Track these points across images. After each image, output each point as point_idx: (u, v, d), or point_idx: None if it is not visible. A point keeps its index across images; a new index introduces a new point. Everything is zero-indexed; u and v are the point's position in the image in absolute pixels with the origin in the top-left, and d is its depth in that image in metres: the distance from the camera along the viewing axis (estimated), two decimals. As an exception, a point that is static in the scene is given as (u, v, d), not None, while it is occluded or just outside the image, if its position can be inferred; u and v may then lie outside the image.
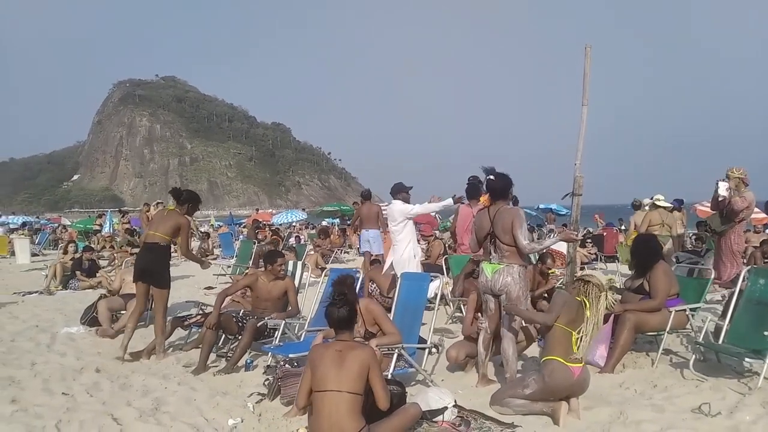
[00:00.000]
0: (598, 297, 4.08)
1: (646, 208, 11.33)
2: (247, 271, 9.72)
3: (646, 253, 5.27)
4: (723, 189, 6.73)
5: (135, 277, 5.85)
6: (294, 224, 28.21)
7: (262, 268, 6.01)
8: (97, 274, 10.58)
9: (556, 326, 4.02)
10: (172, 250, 6.24)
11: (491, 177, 4.58)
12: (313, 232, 21.27)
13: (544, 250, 4.57)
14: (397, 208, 7.50)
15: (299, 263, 7.53)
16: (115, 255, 14.34)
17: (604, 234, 14.19)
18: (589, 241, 13.78)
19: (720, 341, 4.87)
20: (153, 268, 5.67)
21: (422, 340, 5.01)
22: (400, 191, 7.63)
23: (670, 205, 10.55)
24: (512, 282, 4.42)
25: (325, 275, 6.53)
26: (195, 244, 19.85)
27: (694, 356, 4.85)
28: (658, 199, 10.45)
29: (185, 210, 5.82)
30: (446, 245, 11.43)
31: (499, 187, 4.57)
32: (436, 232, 17.62)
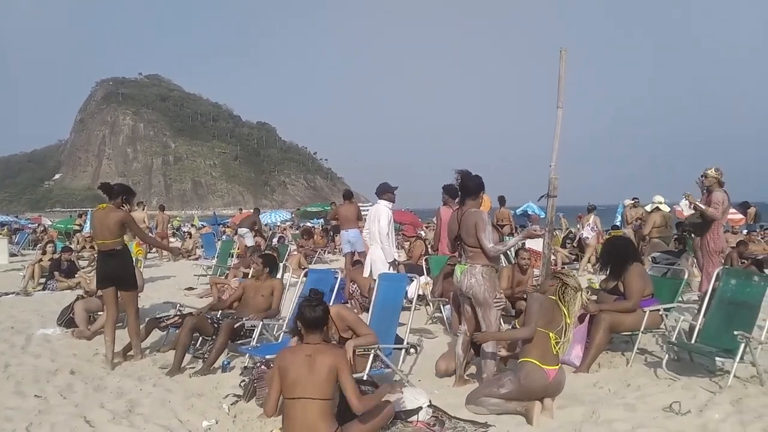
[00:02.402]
0: (574, 299, 4.09)
1: (647, 208, 11.55)
2: (232, 271, 9.68)
3: (618, 255, 5.33)
4: (686, 208, 6.82)
5: (98, 284, 5.75)
6: (278, 225, 28.12)
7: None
8: (76, 275, 10.44)
9: None
10: (153, 250, 6.21)
11: (458, 178, 4.59)
12: (297, 232, 21.22)
13: (508, 251, 4.58)
14: (380, 211, 7.49)
15: (280, 264, 7.49)
16: (95, 255, 14.17)
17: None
18: (569, 241, 13.89)
19: (693, 340, 4.95)
20: (118, 273, 5.56)
21: (399, 340, 5.02)
22: (386, 191, 7.64)
23: (668, 207, 10.84)
24: (476, 283, 4.43)
25: (304, 276, 6.51)
26: (176, 244, 19.70)
27: (667, 356, 4.92)
28: (660, 202, 10.69)
29: (119, 203, 5.62)
30: (429, 246, 11.45)
31: (471, 186, 4.59)
32: (421, 232, 17.66)
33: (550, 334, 4.01)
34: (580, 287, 4.20)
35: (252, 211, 16.34)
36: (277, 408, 3.42)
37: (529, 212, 19.48)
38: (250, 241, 14.36)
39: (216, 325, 5.47)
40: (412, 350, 5.17)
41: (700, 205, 6.61)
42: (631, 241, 6.32)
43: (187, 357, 5.41)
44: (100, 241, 5.55)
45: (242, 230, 14.96)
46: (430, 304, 7.54)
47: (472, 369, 5.02)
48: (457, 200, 7.91)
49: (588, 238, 12.02)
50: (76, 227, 21.66)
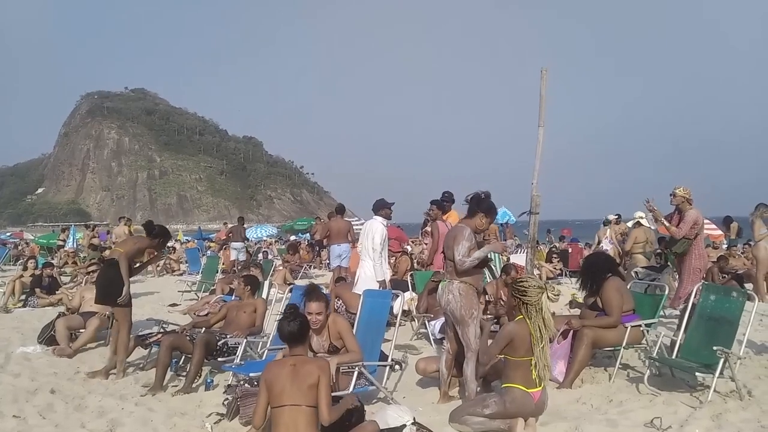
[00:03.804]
0: (539, 309, 3.94)
1: (629, 224, 11.70)
2: (219, 284, 9.62)
3: (594, 270, 5.39)
4: (651, 223, 6.92)
5: (97, 298, 5.76)
6: (264, 239, 28.02)
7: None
8: (58, 291, 10.31)
9: (512, 359, 3.99)
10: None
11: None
12: (283, 247, 21.15)
13: (476, 262, 4.54)
14: (374, 227, 7.46)
15: (266, 281, 7.48)
16: (78, 271, 14.02)
17: (570, 249, 14.45)
18: (554, 256, 14.01)
19: (674, 356, 5.01)
20: (112, 285, 5.59)
21: (384, 357, 5.02)
22: (382, 208, 7.61)
23: (648, 225, 10.95)
24: (452, 300, 4.46)
25: (289, 291, 6.50)
26: (160, 261, 19.52)
27: (648, 371, 4.97)
28: (641, 217, 10.80)
29: (155, 243, 6.02)
30: (415, 261, 11.47)
31: (470, 205, 4.66)
32: (408, 247, 17.63)
33: (531, 360, 3.96)
34: (541, 289, 3.99)
35: (236, 223, 16.22)
36: (264, 420, 3.43)
37: (505, 221, 19.47)
38: (243, 256, 14.37)
39: (194, 342, 5.44)
40: (396, 367, 5.16)
41: (665, 222, 6.70)
42: (606, 255, 6.37)
43: (171, 375, 5.36)
44: (111, 249, 5.86)
45: (237, 245, 14.96)
46: (416, 320, 7.55)
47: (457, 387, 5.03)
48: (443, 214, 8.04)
49: (608, 250, 12.21)
50: (60, 242, 21.41)
